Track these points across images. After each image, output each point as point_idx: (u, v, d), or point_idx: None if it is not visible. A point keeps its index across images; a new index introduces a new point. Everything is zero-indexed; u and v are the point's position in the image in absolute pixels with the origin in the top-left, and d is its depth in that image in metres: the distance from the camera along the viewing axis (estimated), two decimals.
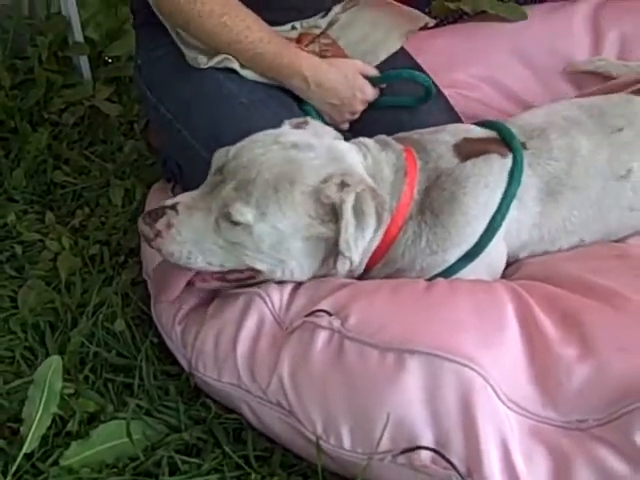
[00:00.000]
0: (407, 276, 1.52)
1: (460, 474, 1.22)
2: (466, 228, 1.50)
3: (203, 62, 1.72)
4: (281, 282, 1.49)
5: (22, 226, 1.98)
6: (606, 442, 1.21)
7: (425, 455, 1.25)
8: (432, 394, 1.25)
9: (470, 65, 2.11)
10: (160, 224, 1.41)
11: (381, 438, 1.26)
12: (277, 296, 1.47)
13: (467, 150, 1.55)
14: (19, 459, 1.37)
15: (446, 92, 1.89)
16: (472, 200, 1.50)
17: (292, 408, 1.36)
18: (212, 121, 1.69)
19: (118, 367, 1.59)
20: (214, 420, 1.47)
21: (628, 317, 1.34)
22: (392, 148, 1.53)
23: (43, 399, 1.43)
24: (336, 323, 1.36)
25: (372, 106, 1.76)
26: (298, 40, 1.80)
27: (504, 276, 1.57)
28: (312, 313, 1.40)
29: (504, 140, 1.58)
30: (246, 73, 1.73)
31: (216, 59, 1.71)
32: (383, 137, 1.58)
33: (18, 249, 1.91)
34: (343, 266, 1.43)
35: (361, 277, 1.52)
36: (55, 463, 1.39)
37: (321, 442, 1.32)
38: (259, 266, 1.44)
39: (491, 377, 1.25)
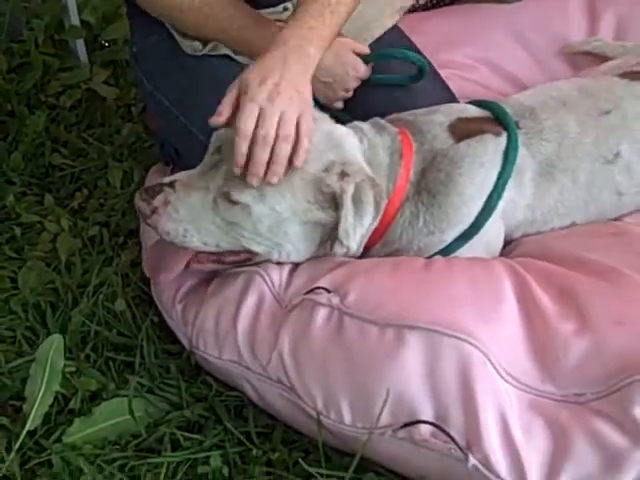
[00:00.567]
0: (405, 255, 1.52)
1: (460, 447, 1.24)
2: (462, 208, 1.51)
3: (198, 49, 1.72)
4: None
5: (21, 208, 1.98)
6: (604, 415, 1.22)
7: (425, 429, 1.26)
8: (431, 369, 1.26)
9: (466, 46, 2.12)
10: (157, 201, 1.41)
11: (381, 413, 1.28)
12: (277, 275, 1.48)
13: (461, 130, 1.56)
14: (22, 436, 1.39)
15: (442, 72, 1.89)
16: (468, 180, 1.51)
17: (292, 384, 1.37)
18: (209, 106, 1.68)
19: (119, 346, 1.61)
20: (215, 397, 1.48)
21: (625, 292, 1.36)
22: (387, 131, 1.54)
23: (45, 377, 1.44)
24: (335, 300, 1.37)
25: (365, 84, 1.76)
26: None
27: (501, 254, 1.58)
28: (311, 290, 1.41)
29: (498, 119, 1.58)
30: (240, 58, 1.73)
31: (210, 45, 1.72)
32: (378, 120, 1.58)
33: (17, 231, 1.92)
34: (340, 251, 1.45)
35: (360, 257, 1.53)
36: (58, 440, 1.41)
37: (322, 418, 1.33)
38: (255, 248, 1.45)
39: (490, 352, 1.26)
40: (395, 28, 1.91)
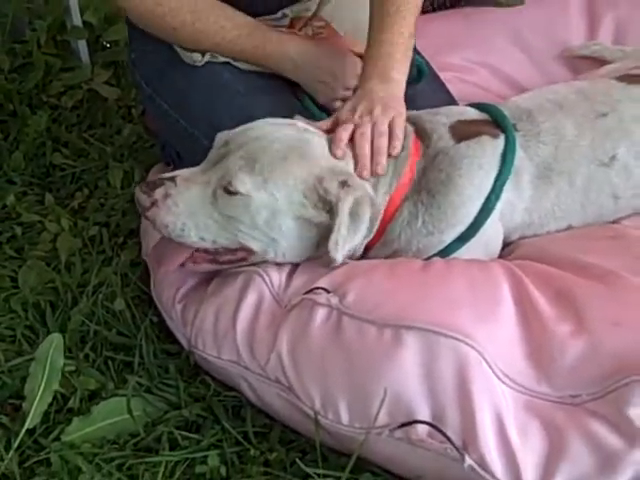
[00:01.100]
0: (404, 257, 1.53)
1: (456, 448, 1.24)
2: (461, 209, 1.52)
3: (198, 59, 1.73)
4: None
5: (22, 208, 1.99)
6: (600, 416, 1.23)
7: (422, 429, 1.27)
8: (429, 369, 1.27)
9: (466, 49, 2.13)
10: (157, 193, 1.42)
11: (378, 413, 1.28)
12: (276, 275, 1.48)
13: (460, 132, 1.56)
14: (21, 435, 1.39)
15: (442, 75, 1.90)
16: (467, 181, 1.52)
17: (291, 384, 1.37)
18: (210, 110, 1.70)
19: (118, 345, 1.61)
20: (213, 397, 1.49)
21: (621, 294, 1.36)
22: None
23: (45, 376, 1.45)
24: (334, 300, 1.38)
25: None
26: (290, 25, 1.80)
27: (499, 257, 1.58)
28: (310, 291, 1.42)
29: (496, 122, 1.59)
30: (239, 64, 1.74)
31: (208, 55, 1.73)
32: None
33: (18, 230, 1.92)
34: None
35: (359, 259, 1.53)
36: (57, 439, 1.41)
37: (319, 417, 1.34)
38: (251, 244, 1.45)
39: (486, 352, 1.27)
40: None
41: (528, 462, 1.21)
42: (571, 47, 2.13)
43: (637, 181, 1.62)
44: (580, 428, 1.23)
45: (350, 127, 1.50)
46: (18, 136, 2.24)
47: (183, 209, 1.42)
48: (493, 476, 1.21)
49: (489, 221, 1.53)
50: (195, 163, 1.51)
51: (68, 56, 2.50)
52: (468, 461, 1.23)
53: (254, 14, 1.72)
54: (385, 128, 1.50)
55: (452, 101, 1.82)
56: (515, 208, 1.57)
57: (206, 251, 1.48)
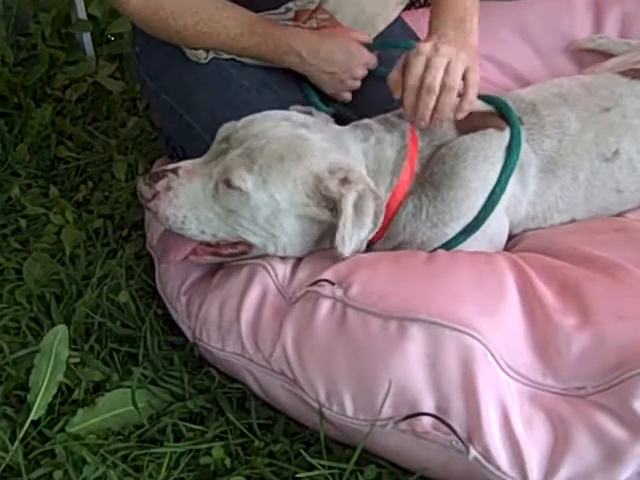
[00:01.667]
0: (409, 249, 1.53)
1: (461, 440, 1.24)
2: (465, 201, 1.51)
3: (203, 56, 1.73)
4: None
5: (26, 200, 1.99)
6: (605, 408, 1.23)
7: (426, 421, 1.26)
8: (433, 361, 1.27)
9: None
10: (159, 185, 1.42)
11: (383, 405, 1.28)
12: (280, 267, 1.48)
13: (465, 124, 1.56)
14: (26, 426, 1.40)
15: None
16: (472, 174, 1.52)
17: (295, 376, 1.37)
18: (214, 105, 1.70)
19: (123, 337, 1.62)
20: (218, 389, 1.49)
21: (626, 286, 1.36)
22: (399, 129, 1.54)
23: (49, 367, 1.45)
24: (339, 292, 1.37)
25: (369, 77, 1.75)
26: (295, 18, 1.80)
27: (504, 249, 1.58)
28: (315, 283, 1.42)
29: (501, 114, 1.59)
30: (245, 59, 1.74)
31: (213, 52, 1.73)
32: (389, 117, 1.59)
33: (22, 222, 1.92)
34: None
35: (364, 252, 1.53)
36: (62, 430, 1.41)
37: (324, 409, 1.34)
38: (251, 239, 1.45)
39: (491, 345, 1.27)
40: (399, 20, 1.92)
41: (533, 454, 1.21)
42: (577, 40, 2.13)
43: None
44: (585, 420, 1.23)
45: (421, 64, 1.42)
46: (23, 129, 2.24)
47: (184, 201, 1.42)
48: (498, 468, 1.21)
49: (494, 214, 1.53)
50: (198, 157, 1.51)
51: (73, 49, 2.51)
52: (473, 453, 1.23)
53: (257, 10, 1.72)
54: (458, 80, 1.43)
55: None
56: (520, 201, 1.57)
57: (207, 244, 1.48)
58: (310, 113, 1.55)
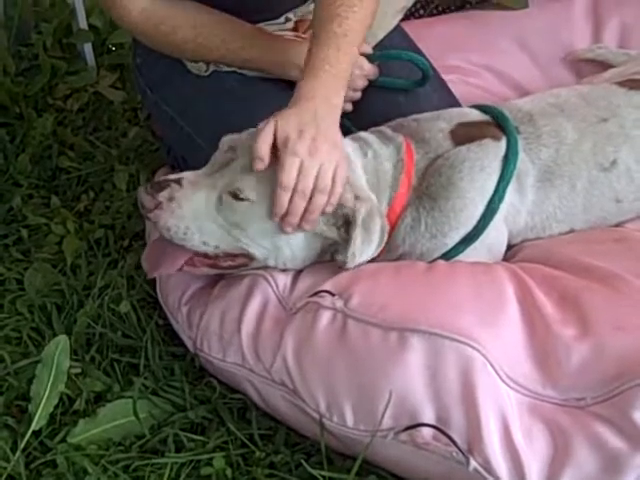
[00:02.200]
0: (409, 260, 1.54)
1: (461, 451, 1.25)
2: (464, 211, 1.52)
3: (203, 69, 1.74)
4: None
5: (28, 210, 2.00)
6: (604, 419, 1.23)
7: (427, 432, 1.27)
8: (433, 372, 1.27)
9: (471, 52, 2.13)
10: (162, 196, 1.41)
11: (383, 416, 1.29)
12: (281, 278, 1.49)
13: (462, 135, 1.57)
14: (27, 436, 1.40)
15: (446, 78, 1.90)
16: (468, 184, 1.52)
17: (296, 387, 1.38)
18: (215, 116, 1.70)
19: (124, 348, 1.62)
20: (219, 400, 1.50)
21: (626, 297, 1.37)
22: (394, 142, 1.55)
23: (51, 378, 1.46)
24: (339, 303, 1.38)
25: (369, 87, 1.75)
26: (295, 28, 1.80)
27: (503, 259, 1.59)
28: (315, 294, 1.42)
29: (498, 124, 1.60)
30: (246, 71, 1.74)
31: (213, 65, 1.74)
32: (384, 130, 1.59)
33: (24, 232, 1.93)
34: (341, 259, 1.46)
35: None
36: (63, 440, 1.42)
37: (324, 420, 1.34)
38: (254, 251, 1.45)
39: (491, 355, 1.27)
40: (398, 29, 1.92)
41: (533, 465, 1.21)
42: (576, 50, 2.13)
43: (639, 185, 1.62)
44: (585, 431, 1.23)
45: (295, 168, 1.36)
46: (24, 139, 2.25)
47: (187, 212, 1.42)
48: (498, 479, 1.22)
49: (493, 224, 1.53)
50: (200, 168, 1.51)
51: (74, 59, 2.51)
52: (473, 464, 1.23)
53: (257, 20, 1.73)
54: (328, 182, 1.38)
55: (455, 102, 1.83)
56: (518, 211, 1.57)
57: (206, 255, 1.47)
58: None
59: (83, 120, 2.35)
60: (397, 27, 1.93)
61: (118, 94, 2.42)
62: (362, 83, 1.73)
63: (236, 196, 1.40)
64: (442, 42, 2.09)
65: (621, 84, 1.73)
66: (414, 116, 1.63)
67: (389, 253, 1.53)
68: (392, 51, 1.79)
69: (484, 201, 1.53)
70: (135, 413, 1.44)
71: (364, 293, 1.39)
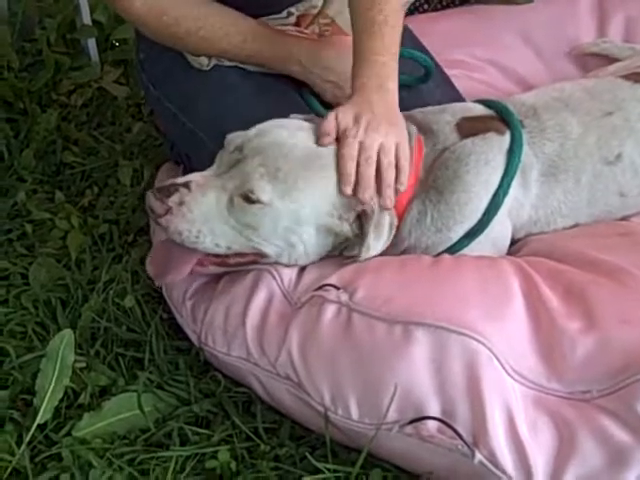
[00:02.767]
0: (413, 254, 1.53)
1: (466, 443, 1.25)
2: (469, 205, 1.52)
3: (205, 64, 1.74)
4: None
5: (32, 205, 1.99)
6: (609, 412, 1.23)
7: (432, 425, 1.27)
8: (439, 365, 1.27)
9: (475, 47, 2.13)
10: (172, 201, 1.39)
11: (388, 409, 1.29)
12: (286, 272, 1.48)
13: (467, 129, 1.57)
14: (32, 430, 1.40)
15: (450, 73, 1.90)
16: (474, 178, 1.52)
17: (301, 381, 1.38)
18: (216, 112, 1.70)
19: (129, 342, 1.62)
20: (223, 393, 1.49)
21: (632, 291, 1.36)
22: (408, 132, 1.55)
23: (56, 372, 1.45)
24: (344, 297, 1.38)
25: None
26: (297, 23, 1.80)
27: (508, 253, 1.59)
28: (320, 287, 1.42)
29: (502, 118, 1.60)
30: (247, 66, 1.74)
31: (215, 59, 1.74)
32: None
33: (28, 227, 1.92)
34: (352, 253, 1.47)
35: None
36: (68, 434, 1.41)
37: (329, 413, 1.34)
38: (267, 249, 1.45)
39: (497, 349, 1.27)
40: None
41: (538, 457, 1.21)
42: (581, 45, 2.13)
43: None
44: (590, 424, 1.23)
45: (355, 147, 1.42)
46: (28, 134, 2.24)
47: (198, 216, 1.40)
48: (503, 471, 1.22)
49: (497, 217, 1.53)
50: (203, 164, 1.50)
51: (78, 55, 2.51)
52: (478, 457, 1.23)
53: (259, 14, 1.73)
54: (392, 158, 1.44)
55: (458, 97, 1.83)
56: (522, 205, 1.57)
57: (215, 255, 1.47)
58: (312, 120, 1.55)
59: (87, 115, 2.35)
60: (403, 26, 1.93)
61: (122, 89, 2.42)
62: None
63: (248, 198, 1.39)
64: (446, 37, 2.09)
65: (626, 78, 1.73)
66: (419, 109, 1.63)
67: (395, 246, 1.53)
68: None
69: (488, 195, 1.53)
70: (140, 407, 1.44)
71: (369, 287, 1.39)
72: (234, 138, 1.47)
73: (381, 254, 1.52)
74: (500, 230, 1.56)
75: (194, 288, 1.59)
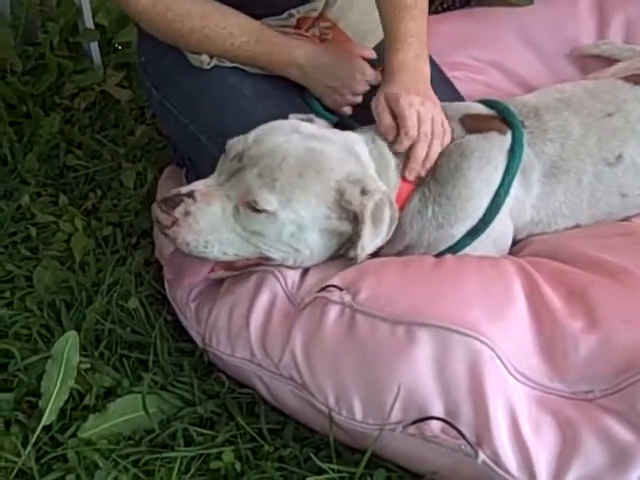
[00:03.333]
0: (416, 253, 1.54)
1: (469, 443, 1.25)
2: (470, 202, 1.53)
3: (206, 61, 1.73)
4: None
5: (36, 208, 2.00)
6: (612, 412, 1.24)
7: (435, 425, 1.28)
8: (442, 366, 1.28)
9: (476, 49, 2.14)
10: (177, 212, 1.40)
11: (392, 409, 1.29)
12: (290, 273, 1.49)
13: (470, 125, 1.58)
14: (38, 431, 1.41)
15: (452, 75, 1.91)
16: (475, 175, 1.53)
17: (304, 381, 1.38)
18: (217, 115, 1.70)
19: (133, 344, 1.63)
20: (227, 394, 1.50)
21: (633, 291, 1.37)
22: None
23: (61, 373, 1.46)
24: (347, 298, 1.39)
25: (374, 87, 1.76)
26: (297, 25, 1.80)
27: (510, 253, 1.59)
28: (323, 289, 1.43)
29: (504, 118, 1.60)
30: (248, 67, 1.75)
31: (216, 59, 1.74)
32: None
33: (32, 230, 1.93)
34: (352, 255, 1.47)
35: (372, 256, 1.54)
36: (73, 435, 1.42)
37: (333, 414, 1.35)
38: (274, 255, 1.46)
39: (499, 349, 1.28)
40: None
41: (541, 457, 1.22)
42: (581, 46, 2.14)
43: None
44: (593, 424, 1.24)
45: (415, 115, 1.52)
46: (32, 137, 2.25)
47: (205, 226, 1.41)
48: (507, 471, 1.22)
49: (498, 217, 1.54)
50: (205, 167, 1.51)
51: (80, 58, 2.52)
52: (482, 457, 1.24)
53: (260, 15, 1.73)
54: (440, 130, 1.54)
55: (459, 98, 1.83)
56: (524, 205, 1.58)
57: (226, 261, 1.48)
58: (311, 120, 1.56)
59: (90, 119, 2.36)
60: None
61: (125, 93, 2.42)
62: (363, 88, 1.72)
63: (255, 207, 1.40)
64: (447, 39, 2.10)
65: (626, 79, 1.74)
66: None
67: (396, 242, 1.54)
68: None
69: (490, 194, 1.53)
70: (144, 408, 1.45)
71: (372, 287, 1.40)
72: (234, 144, 1.47)
73: (382, 251, 1.53)
74: (502, 230, 1.57)
75: (198, 290, 1.60)
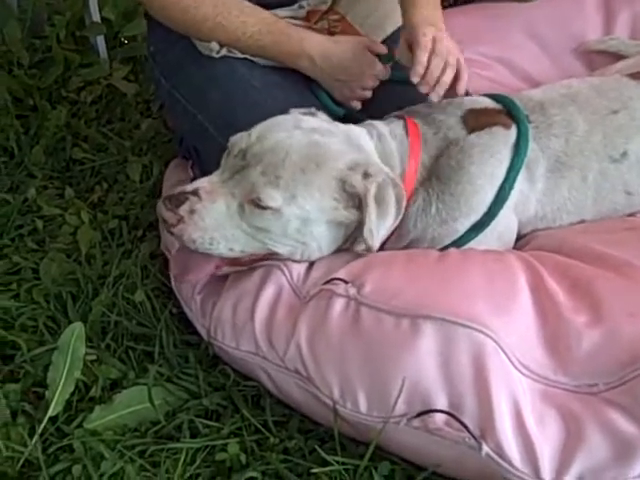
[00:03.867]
0: (420, 247, 1.55)
1: (473, 436, 1.26)
2: (474, 197, 1.53)
3: (216, 49, 1.74)
4: None
5: (42, 201, 2.01)
6: (616, 405, 1.24)
7: (439, 418, 1.28)
8: (446, 358, 1.28)
9: (483, 44, 2.14)
10: (183, 210, 1.40)
11: (396, 402, 1.30)
12: (295, 267, 1.50)
13: (472, 122, 1.58)
14: (44, 422, 1.41)
15: None
16: (478, 170, 1.53)
17: (309, 374, 1.39)
18: (226, 106, 1.71)
19: (139, 336, 1.63)
20: (233, 387, 1.51)
21: (638, 285, 1.37)
22: (395, 122, 1.57)
23: (67, 364, 1.47)
24: (352, 291, 1.39)
25: (383, 82, 1.77)
26: (306, 18, 1.81)
27: (515, 248, 1.60)
28: (329, 282, 1.43)
29: (509, 112, 1.61)
30: (257, 59, 1.75)
31: (226, 48, 1.74)
32: (388, 115, 1.62)
33: (39, 223, 1.94)
34: (360, 248, 1.48)
35: (377, 251, 1.55)
36: (79, 426, 1.43)
37: (338, 407, 1.35)
38: (280, 250, 1.46)
39: (503, 342, 1.28)
40: None
41: (545, 450, 1.22)
42: (588, 42, 2.14)
43: None
44: (597, 417, 1.24)
45: (430, 38, 1.57)
46: (38, 131, 2.26)
47: (210, 223, 1.41)
48: (510, 464, 1.23)
49: (503, 211, 1.54)
50: (211, 158, 1.52)
51: (87, 52, 2.53)
52: (485, 449, 1.24)
53: (271, 5, 1.74)
54: (454, 62, 1.59)
55: (465, 94, 1.83)
56: (528, 200, 1.58)
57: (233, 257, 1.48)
58: (312, 114, 1.56)
59: (96, 112, 2.36)
60: None
61: (131, 86, 2.43)
62: (372, 83, 1.73)
63: (258, 205, 1.40)
64: (454, 34, 2.07)
65: (632, 76, 1.74)
66: (426, 103, 1.64)
67: (400, 239, 1.55)
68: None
69: (494, 188, 1.54)
70: (150, 400, 1.45)
71: (377, 280, 1.40)
72: (237, 140, 1.47)
73: (386, 247, 1.53)
74: (506, 224, 1.57)
75: (203, 283, 1.60)
